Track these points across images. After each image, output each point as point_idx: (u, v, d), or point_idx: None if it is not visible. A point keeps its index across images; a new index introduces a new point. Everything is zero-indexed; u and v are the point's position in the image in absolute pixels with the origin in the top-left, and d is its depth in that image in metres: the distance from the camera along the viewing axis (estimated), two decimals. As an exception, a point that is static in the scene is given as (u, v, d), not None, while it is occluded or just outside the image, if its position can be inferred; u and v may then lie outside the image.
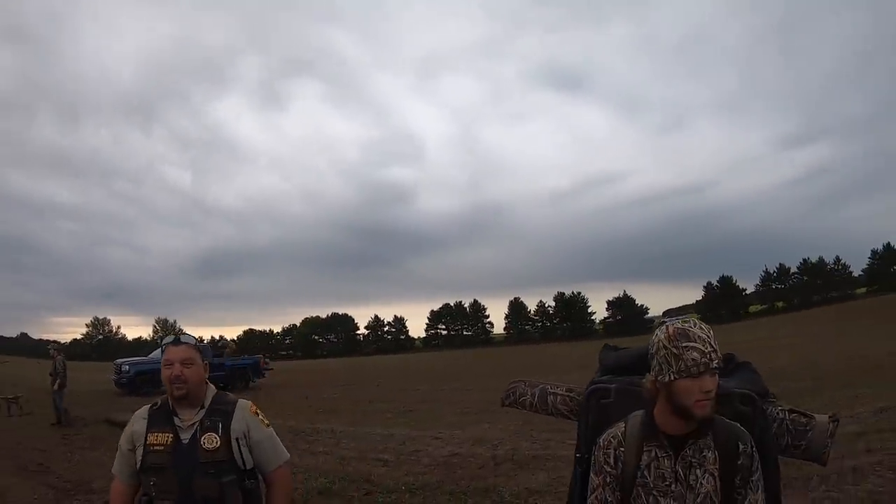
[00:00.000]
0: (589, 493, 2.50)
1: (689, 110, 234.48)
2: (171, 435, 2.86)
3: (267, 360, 32.08)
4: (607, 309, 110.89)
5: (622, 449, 2.42)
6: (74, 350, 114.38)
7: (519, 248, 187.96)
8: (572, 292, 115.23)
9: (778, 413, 2.72)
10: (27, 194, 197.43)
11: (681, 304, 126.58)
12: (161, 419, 2.92)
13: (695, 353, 2.23)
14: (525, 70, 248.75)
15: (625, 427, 2.47)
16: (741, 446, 2.31)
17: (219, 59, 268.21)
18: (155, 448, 2.84)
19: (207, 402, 2.99)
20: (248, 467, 2.97)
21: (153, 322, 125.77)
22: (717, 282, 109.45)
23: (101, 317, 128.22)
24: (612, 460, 2.43)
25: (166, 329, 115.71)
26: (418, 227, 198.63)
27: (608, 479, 2.44)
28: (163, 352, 3.01)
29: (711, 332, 2.28)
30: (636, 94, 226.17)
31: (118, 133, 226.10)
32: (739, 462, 2.30)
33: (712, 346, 2.24)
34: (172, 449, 2.83)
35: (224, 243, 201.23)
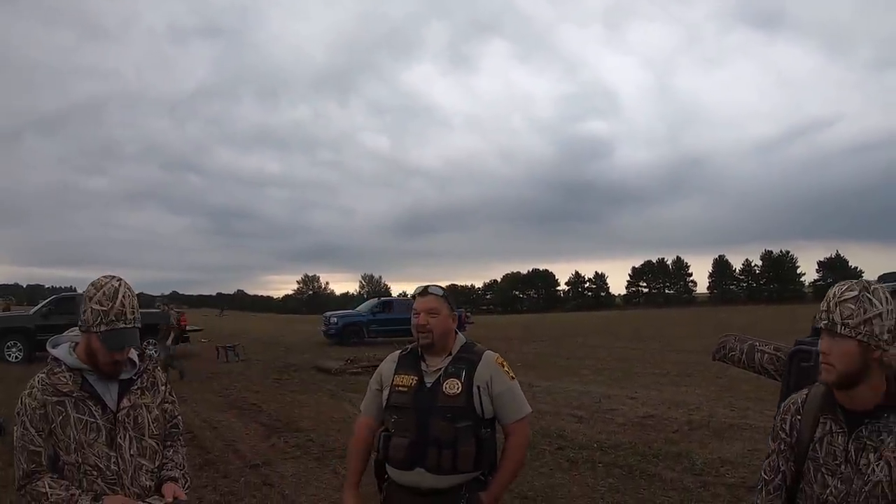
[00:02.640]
0: (765, 457, 2.38)
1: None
2: (416, 378, 3.02)
3: (468, 314, 32.77)
4: (818, 270, 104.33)
5: (798, 417, 2.29)
6: (287, 304, 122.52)
7: (723, 203, 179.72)
8: (780, 251, 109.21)
9: None
10: (239, 168, 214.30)
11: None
12: (409, 363, 3.10)
13: (818, 311, 2.15)
14: (717, 10, 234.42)
15: (806, 395, 2.31)
16: None
17: (404, 29, 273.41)
18: (399, 388, 3.01)
19: (455, 351, 3.11)
20: (486, 416, 3.03)
21: (359, 278, 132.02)
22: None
23: (310, 274, 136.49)
24: (787, 427, 2.31)
25: (372, 284, 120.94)
26: (617, 181, 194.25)
27: (783, 447, 2.30)
28: (414, 299, 3.19)
29: (851, 295, 2.07)
30: (842, 28, 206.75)
31: (317, 107, 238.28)
32: None
33: (827, 307, 2.10)
34: (415, 391, 2.98)
35: (425, 203, 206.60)
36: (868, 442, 2.09)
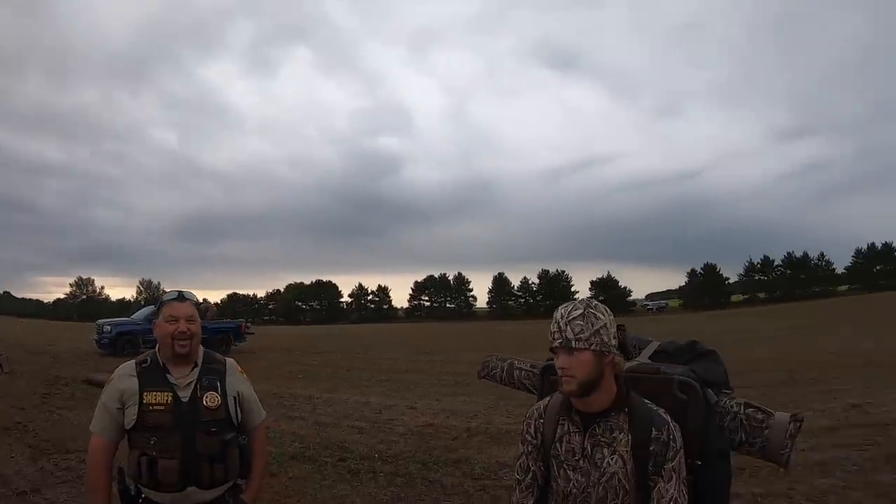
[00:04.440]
0: (516, 459, 2.68)
1: (684, 97, 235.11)
2: (170, 394, 2.86)
3: (249, 324, 32.08)
4: (590, 289, 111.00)
5: (542, 421, 2.57)
6: (58, 310, 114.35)
7: (506, 224, 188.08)
8: (556, 270, 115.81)
9: (732, 406, 2.70)
10: (14, 151, 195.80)
11: (664, 289, 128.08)
12: (155, 377, 2.90)
13: (550, 332, 2.42)
14: (519, 47, 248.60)
15: (549, 401, 2.61)
16: (654, 432, 2.35)
17: (210, 23, 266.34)
18: (154, 407, 2.82)
19: (200, 361, 3.01)
20: (239, 424, 3.03)
21: (137, 283, 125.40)
22: (701, 269, 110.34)
23: (85, 277, 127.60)
24: (532, 431, 2.60)
25: (151, 290, 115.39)
26: (406, 197, 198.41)
27: (530, 449, 2.59)
28: (161, 306, 2.99)
29: (577, 313, 2.38)
30: (631, 77, 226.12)
31: (107, 93, 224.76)
32: (651, 448, 2.33)
33: (558, 327, 2.38)
34: (173, 408, 2.83)
35: (211, 206, 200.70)
36: (602, 439, 2.42)
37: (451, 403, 13.09)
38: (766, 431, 2.61)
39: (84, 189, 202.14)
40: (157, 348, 3.00)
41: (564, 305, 2.45)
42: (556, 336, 2.38)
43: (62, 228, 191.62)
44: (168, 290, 3.03)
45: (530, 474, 2.58)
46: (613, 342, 2.40)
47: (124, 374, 2.94)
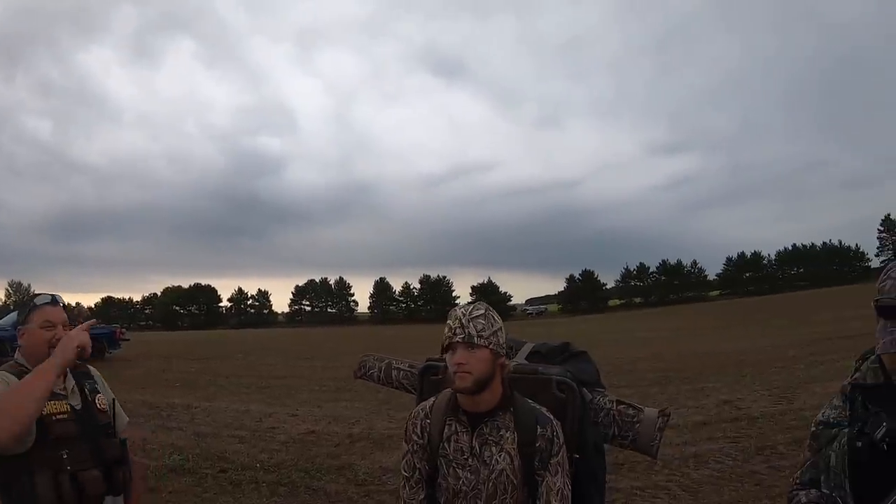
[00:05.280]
0: (402, 457, 2.69)
1: (564, 109, 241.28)
2: (65, 401, 2.66)
3: (124, 330, 30.99)
4: (471, 294, 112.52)
5: (428, 421, 2.62)
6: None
7: (387, 229, 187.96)
8: (438, 275, 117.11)
9: (605, 403, 2.88)
10: None
11: (543, 294, 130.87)
12: None
13: (446, 328, 2.48)
14: (405, 52, 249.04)
15: (433, 401, 2.67)
16: (539, 429, 2.46)
17: (92, 5, 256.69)
18: (58, 417, 2.57)
19: None
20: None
21: (6, 285, 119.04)
22: (580, 275, 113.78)
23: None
24: (419, 430, 2.63)
25: (21, 293, 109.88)
26: (286, 199, 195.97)
27: (415, 448, 2.62)
28: (32, 311, 2.74)
29: (479, 312, 2.48)
30: (513, 88, 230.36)
31: None
32: (537, 444, 2.44)
33: (460, 323, 2.45)
34: (74, 416, 2.65)
35: (84, 203, 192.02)
36: (489, 437, 2.49)
37: (332, 409, 13.07)
38: (637, 426, 2.80)
39: None
40: (17, 356, 2.79)
41: (464, 305, 2.54)
42: (457, 332, 2.43)
43: None
44: (38, 292, 2.87)
45: (417, 472, 2.62)
46: (504, 345, 2.52)
47: (6, 383, 2.58)
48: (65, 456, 2.55)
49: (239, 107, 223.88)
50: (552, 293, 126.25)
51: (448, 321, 2.50)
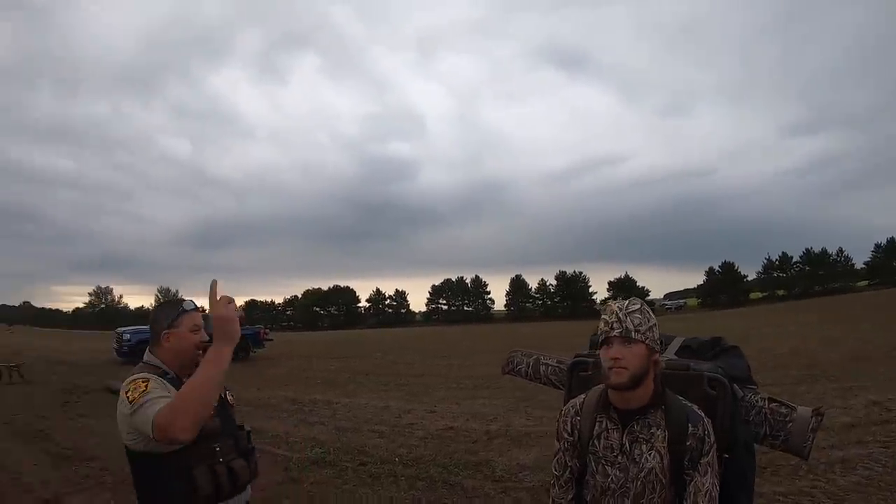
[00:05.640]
0: (553, 455, 2.69)
1: (691, 95, 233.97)
2: None
3: (267, 330, 32.17)
4: (608, 289, 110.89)
5: (578, 418, 2.61)
6: (77, 318, 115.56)
7: (520, 226, 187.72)
8: (574, 271, 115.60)
9: (757, 401, 2.77)
10: (27, 163, 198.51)
11: (682, 288, 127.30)
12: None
13: (602, 323, 2.48)
14: (524, 49, 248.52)
15: (584, 398, 2.65)
16: (691, 428, 2.40)
17: (217, 32, 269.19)
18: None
19: None
20: None
21: (155, 291, 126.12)
22: (719, 267, 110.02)
23: (103, 286, 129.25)
24: (569, 428, 2.63)
25: (169, 298, 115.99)
26: (419, 202, 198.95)
27: (566, 445, 2.63)
28: (181, 315, 2.82)
29: (635, 307, 2.46)
30: (637, 77, 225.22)
31: (117, 104, 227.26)
32: (688, 443, 2.39)
33: (617, 318, 2.43)
34: (217, 411, 2.74)
35: (223, 214, 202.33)
36: (640, 435, 2.46)
37: (470, 406, 13.06)
38: (790, 425, 2.69)
39: (96, 199, 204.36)
40: (148, 357, 2.84)
41: (619, 300, 2.51)
42: (614, 326, 2.42)
43: (76, 238, 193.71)
44: (182, 298, 2.95)
45: (568, 470, 2.63)
46: (658, 342, 2.49)
47: (161, 382, 2.64)
48: (217, 448, 2.69)
49: (366, 115, 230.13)
50: (691, 287, 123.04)
51: (604, 316, 2.49)
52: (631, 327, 2.40)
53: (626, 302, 2.48)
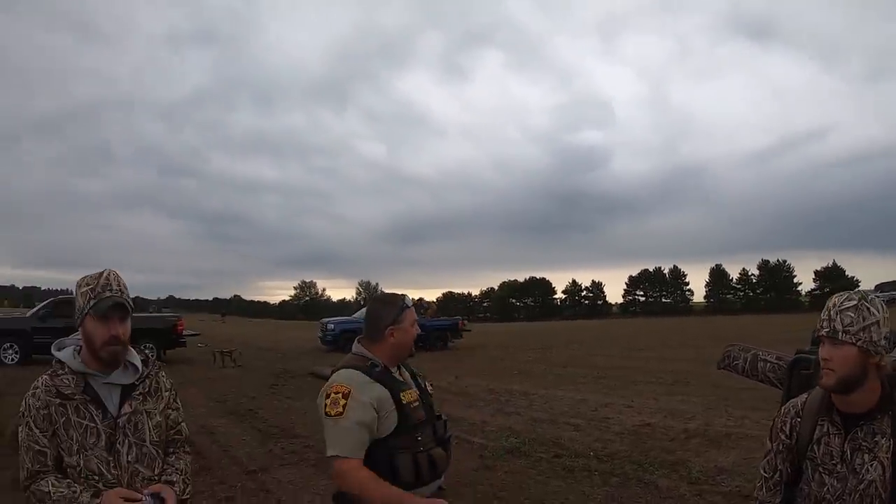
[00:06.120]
0: (763, 456, 2.54)
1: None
2: (414, 390, 2.88)
3: (465, 321, 32.78)
4: (815, 280, 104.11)
5: (798, 419, 2.43)
6: (284, 310, 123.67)
7: (719, 212, 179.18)
8: (777, 260, 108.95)
9: None
10: (234, 173, 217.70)
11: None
12: (392, 378, 2.82)
13: (819, 320, 2.29)
14: (710, 22, 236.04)
15: (806, 398, 2.46)
16: None
17: (399, 38, 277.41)
18: (413, 405, 2.79)
19: None
20: None
21: (356, 284, 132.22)
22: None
23: (307, 280, 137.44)
24: (787, 429, 2.45)
25: (369, 290, 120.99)
26: (613, 190, 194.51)
27: (781, 447, 2.47)
28: (403, 311, 2.91)
29: (850, 304, 2.23)
30: (833, 39, 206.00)
31: (311, 114, 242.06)
32: None
33: (827, 315, 2.24)
34: (421, 402, 2.86)
35: (419, 211, 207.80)
36: (863, 443, 2.25)
37: (668, 403, 12.80)
38: None
39: (299, 202, 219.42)
40: (357, 348, 2.95)
41: (839, 294, 2.31)
42: (823, 324, 2.26)
43: (280, 238, 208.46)
44: (402, 293, 3.07)
45: (778, 473, 2.48)
46: (884, 342, 2.23)
47: (364, 384, 2.75)
48: (419, 438, 2.76)
49: (555, 106, 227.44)
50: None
51: (823, 311, 2.31)
52: (839, 327, 2.20)
53: (844, 297, 2.26)
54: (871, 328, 2.19)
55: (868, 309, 2.20)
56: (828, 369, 2.22)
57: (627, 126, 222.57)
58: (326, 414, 2.70)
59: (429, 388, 3.02)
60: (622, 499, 6.66)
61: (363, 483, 2.59)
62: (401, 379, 2.89)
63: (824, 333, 2.24)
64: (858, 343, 2.18)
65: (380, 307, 2.96)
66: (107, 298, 2.46)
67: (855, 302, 2.22)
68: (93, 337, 2.47)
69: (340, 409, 2.68)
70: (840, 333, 2.19)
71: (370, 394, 2.71)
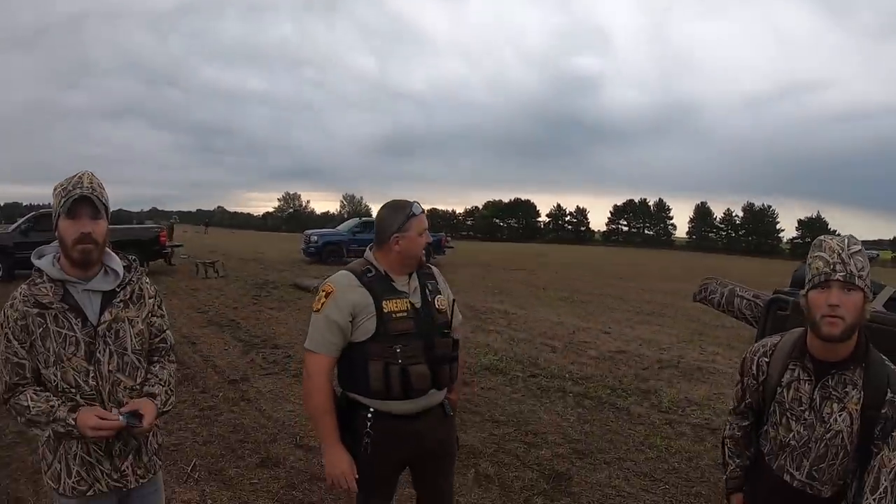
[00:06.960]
0: (734, 386, 2.54)
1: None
2: (407, 300, 2.82)
3: (448, 238, 32.87)
4: (797, 228, 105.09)
5: (766, 360, 2.39)
6: (267, 222, 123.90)
7: (709, 151, 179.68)
8: (763, 204, 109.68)
9: None
10: (221, 84, 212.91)
11: (875, 238, 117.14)
12: (385, 286, 2.81)
13: (819, 262, 2.12)
14: None
15: (779, 340, 2.41)
16: (890, 394, 2.14)
17: None
18: (397, 315, 2.76)
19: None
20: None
21: (340, 197, 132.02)
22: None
23: (291, 192, 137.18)
24: (754, 369, 2.42)
25: (353, 204, 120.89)
26: (605, 118, 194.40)
27: (749, 383, 2.45)
28: (410, 219, 2.86)
29: (857, 247, 2.10)
30: None
31: (302, 26, 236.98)
32: (883, 410, 2.14)
33: (840, 258, 2.08)
34: (413, 314, 2.80)
35: (408, 127, 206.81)
36: (833, 392, 2.22)
37: (644, 332, 12.99)
38: None
39: (286, 114, 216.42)
40: (369, 255, 2.95)
41: (836, 238, 2.15)
42: (836, 268, 2.07)
43: (267, 150, 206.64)
44: (411, 201, 3.00)
45: (745, 403, 2.50)
46: (871, 289, 2.16)
47: (348, 286, 2.80)
48: (398, 350, 2.73)
49: (552, 30, 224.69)
50: (886, 238, 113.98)
51: (820, 253, 2.14)
52: (854, 271, 2.06)
53: (846, 240, 2.12)
54: (869, 274, 2.13)
55: (865, 254, 2.13)
56: (836, 317, 2.07)
57: (625, 56, 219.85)
58: (314, 308, 2.83)
59: (439, 304, 2.94)
60: (594, 421, 6.80)
61: (314, 387, 2.80)
62: (400, 288, 2.85)
63: (840, 278, 2.06)
64: (865, 289, 2.08)
65: (386, 214, 2.91)
66: (77, 199, 2.33)
67: (859, 247, 2.12)
68: (64, 236, 2.38)
69: (319, 306, 2.80)
70: (856, 278, 2.06)
71: (350, 296, 2.76)
